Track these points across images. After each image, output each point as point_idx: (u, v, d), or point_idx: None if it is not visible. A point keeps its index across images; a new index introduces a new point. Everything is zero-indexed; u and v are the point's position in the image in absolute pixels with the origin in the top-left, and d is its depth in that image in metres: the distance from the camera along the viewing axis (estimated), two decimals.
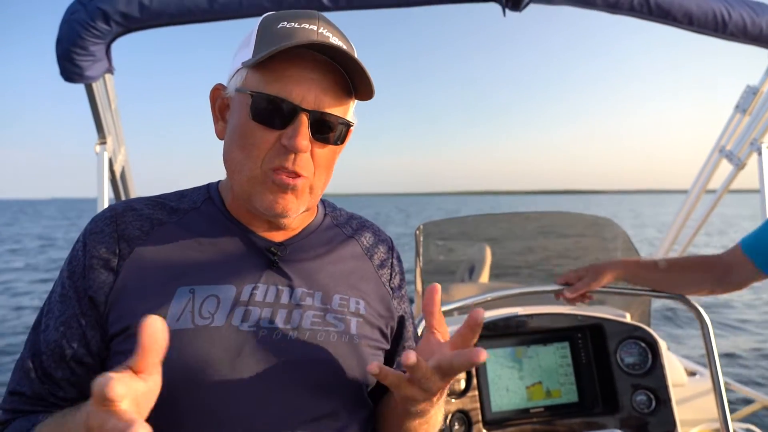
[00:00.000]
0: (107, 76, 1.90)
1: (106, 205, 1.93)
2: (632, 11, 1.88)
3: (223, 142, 0.85)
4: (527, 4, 1.66)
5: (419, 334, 1.51)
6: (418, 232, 2.28)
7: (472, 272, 3.10)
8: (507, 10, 1.70)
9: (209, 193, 0.91)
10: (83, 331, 0.77)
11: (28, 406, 0.78)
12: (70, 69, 1.65)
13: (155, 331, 0.53)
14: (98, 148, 2.00)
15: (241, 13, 1.58)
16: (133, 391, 0.52)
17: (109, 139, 2.04)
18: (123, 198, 2.46)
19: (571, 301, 1.57)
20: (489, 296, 1.57)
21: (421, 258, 2.19)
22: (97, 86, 1.85)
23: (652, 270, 1.56)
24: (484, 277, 2.98)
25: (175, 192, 0.92)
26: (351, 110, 0.85)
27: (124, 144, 2.38)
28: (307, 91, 0.76)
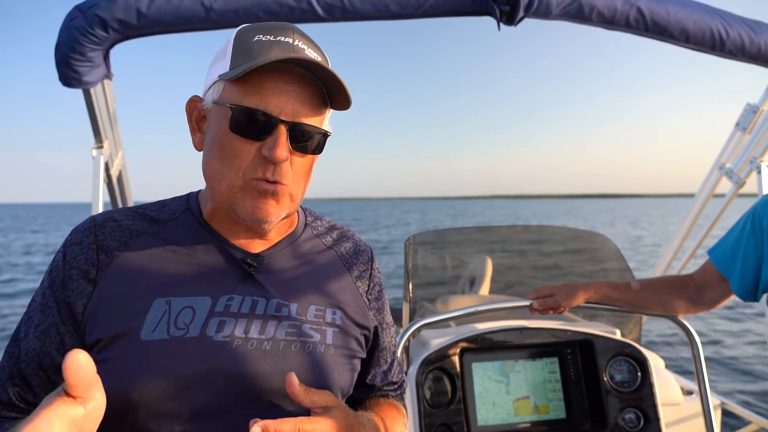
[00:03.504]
0: (106, 81, 1.92)
1: (100, 209, 1.95)
2: (628, 27, 1.88)
3: (201, 153, 0.85)
4: (522, 18, 1.67)
5: (403, 344, 1.51)
6: (408, 243, 2.28)
7: (473, 284, 3.08)
8: (502, 25, 1.70)
9: (188, 203, 0.91)
10: (62, 339, 0.78)
11: (4, 412, 0.78)
12: (69, 74, 1.67)
13: (78, 368, 0.54)
14: (94, 152, 2.03)
15: (237, 22, 1.60)
16: (69, 416, 0.55)
17: (106, 144, 2.07)
18: (119, 202, 2.49)
19: (541, 313, 1.62)
20: (458, 312, 1.59)
21: (410, 269, 2.18)
22: (94, 91, 1.87)
23: (624, 291, 1.56)
24: (485, 289, 2.96)
25: (155, 202, 0.92)
26: (327, 120, 0.86)
27: (122, 149, 2.41)
28: (285, 103, 0.77)
